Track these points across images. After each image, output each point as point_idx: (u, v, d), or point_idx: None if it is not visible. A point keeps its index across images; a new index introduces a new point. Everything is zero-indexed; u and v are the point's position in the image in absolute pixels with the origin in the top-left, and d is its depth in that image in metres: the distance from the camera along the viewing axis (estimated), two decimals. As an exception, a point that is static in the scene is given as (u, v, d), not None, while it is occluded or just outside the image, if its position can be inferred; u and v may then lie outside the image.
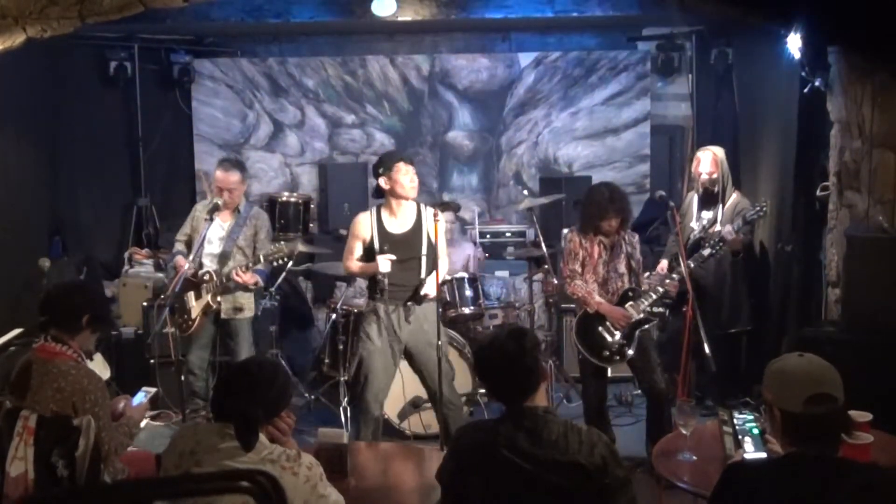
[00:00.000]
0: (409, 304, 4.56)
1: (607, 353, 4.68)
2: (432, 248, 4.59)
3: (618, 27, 7.53)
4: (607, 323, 4.67)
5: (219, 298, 5.09)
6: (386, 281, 4.46)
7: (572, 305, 5.71)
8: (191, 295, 5.14)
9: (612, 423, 5.06)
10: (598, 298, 4.68)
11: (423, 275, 4.56)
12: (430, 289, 4.55)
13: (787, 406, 2.30)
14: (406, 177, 4.52)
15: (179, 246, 5.29)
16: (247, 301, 5.23)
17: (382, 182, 4.56)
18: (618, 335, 4.67)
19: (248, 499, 1.57)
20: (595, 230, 4.73)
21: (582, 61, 7.57)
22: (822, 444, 2.27)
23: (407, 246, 4.56)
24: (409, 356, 4.68)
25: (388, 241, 4.54)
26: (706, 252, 4.86)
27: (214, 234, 5.16)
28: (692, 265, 4.78)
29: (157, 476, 2.87)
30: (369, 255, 4.60)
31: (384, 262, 4.47)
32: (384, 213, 4.61)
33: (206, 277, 5.07)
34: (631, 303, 4.68)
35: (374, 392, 4.58)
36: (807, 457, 2.24)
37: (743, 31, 6.40)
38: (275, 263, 5.07)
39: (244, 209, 5.22)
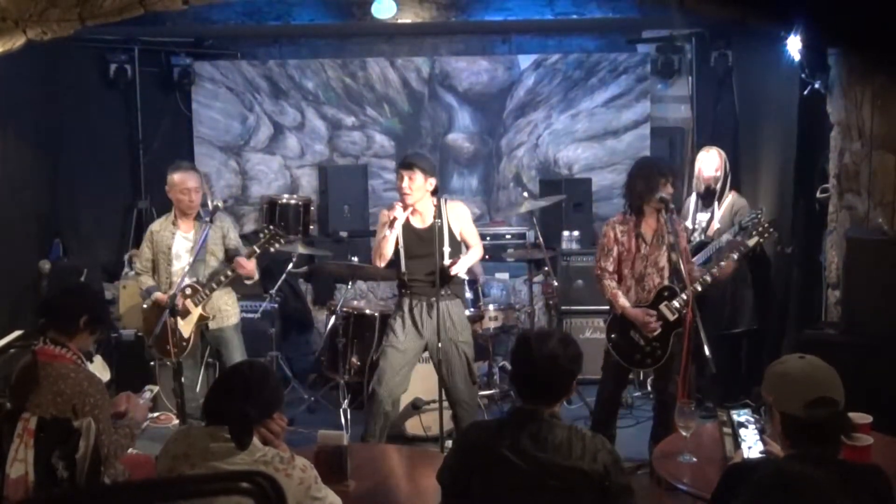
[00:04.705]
0: (431, 299, 4.57)
1: (638, 357, 4.51)
2: (455, 242, 4.65)
3: (617, 29, 7.53)
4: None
5: (208, 308, 4.91)
6: (406, 272, 4.54)
7: (573, 307, 5.72)
8: (176, 319, 4.81)
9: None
10: (623, 301, 4.45)
11: None
12: (458, 267, 4.56)
13: (788, 409, 2.30)
14: (401, 183, 4.58)
15: (148, 280, 5.01)
16: (230, 306, 5.06)
17: None
18: (650, 338, 4.44)
19: (242, 499, 1.56)
20: (641, 209, 4.42)
21: (582, 63, 7.57)
22: (822, 447, 2.27)
23: (429, 240, 4.58)
24: (431, 353, 4.69)
25: (411, 234, 4.60)
26: (735, 255, 4.56)
27: (181, 247, 4.98)
28: (724, 265, 4.53)
29: (157, 478, 2.87)
30: (396, 253, 4.63)
31: (398, 211, 4.52)
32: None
33: (189, 291, 4.85)
34: (665, 303, 4.43)
35: (389, 388, 4.59)
36: (807, 459, 2.24)
37: (743, 34, 6.39)
38: (272, 249, 4.91)
39: (204, 213, 4.99)
